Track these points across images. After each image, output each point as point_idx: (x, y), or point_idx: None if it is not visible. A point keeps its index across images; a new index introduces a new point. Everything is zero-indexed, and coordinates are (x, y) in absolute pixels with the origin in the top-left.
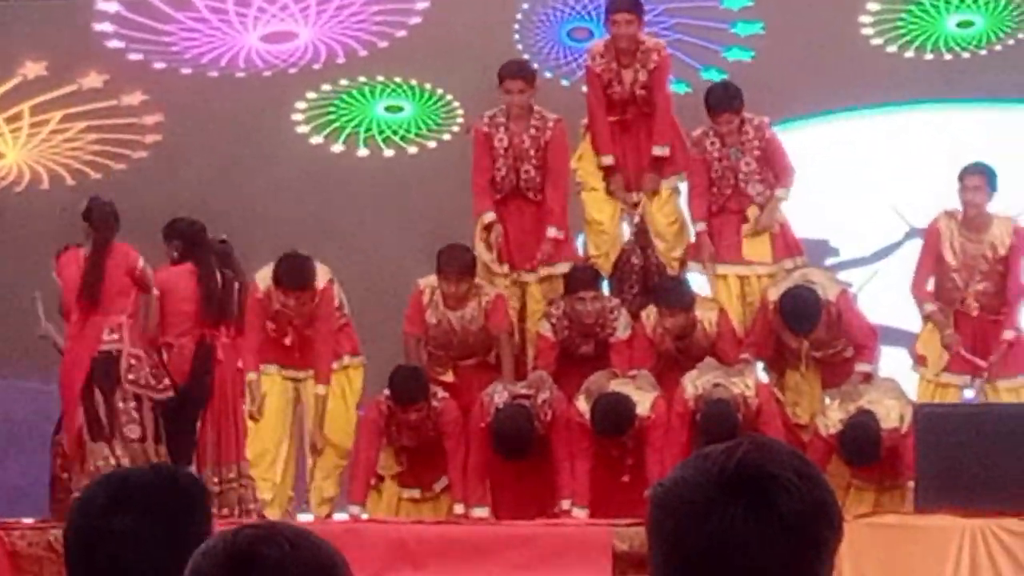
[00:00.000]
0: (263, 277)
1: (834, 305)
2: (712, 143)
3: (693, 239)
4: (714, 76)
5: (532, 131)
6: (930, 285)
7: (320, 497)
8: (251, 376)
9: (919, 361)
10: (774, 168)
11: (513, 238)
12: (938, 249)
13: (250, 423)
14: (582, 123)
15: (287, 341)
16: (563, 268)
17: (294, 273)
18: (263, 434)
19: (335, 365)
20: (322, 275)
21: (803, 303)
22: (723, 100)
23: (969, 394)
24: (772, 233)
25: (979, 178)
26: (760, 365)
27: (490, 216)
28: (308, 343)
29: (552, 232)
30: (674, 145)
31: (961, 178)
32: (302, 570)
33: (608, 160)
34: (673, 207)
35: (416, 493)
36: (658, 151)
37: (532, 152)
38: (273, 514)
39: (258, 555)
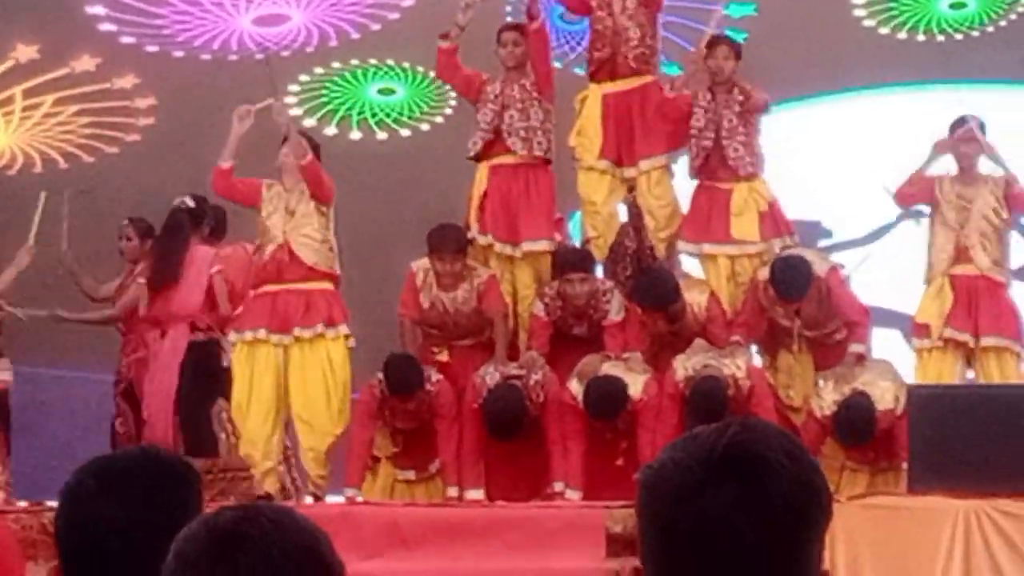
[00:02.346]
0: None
1: (824, 281)
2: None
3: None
4: None
5: (523, 81)
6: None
7: (310, 476)
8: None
9: (920, 332)
10: (747, 140)
11: (499, 209)
12: (936, 203)
13: (236, 401)
14: (577, 99)
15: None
16: (543, 245)
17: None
18: (255, 409)
19: (329, 333)
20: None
21: (792, 267)
22: (720, 36)
23: (970, 374)
24: (761, 212)
25: (970, 126)
26: (754, 348)
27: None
28: (298, 301)
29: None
30: (667, 124)
31: (953, 129)
32: (285, 548)
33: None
34: (665, 187)
35: (411, 474)
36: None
37: (521, 103)
38: (271, 486)
39: (241, 535)
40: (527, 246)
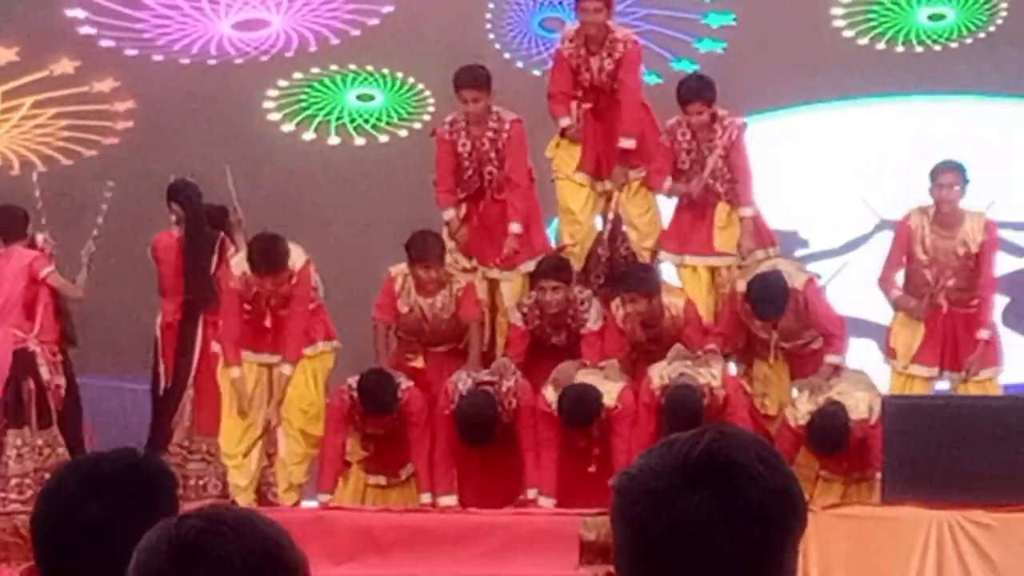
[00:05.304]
0: (238, 263)
1: (801, 293)
2: (683, 133)
3: (665, 228)
4: (686, 67)
5: (491, 133)
6: (898, 280)
7: (288, 483)
8: (235, 373)
9: (889, 353)
10: (734, 175)
11: (480, 233)
12: (909, 245)
13: (226, 411)
14: None
15: (267, 323)
16: (531, 266)
17: (268, 255)
18: (238, 422)
19: (308, 351)
20: (299, 256)
21: (770, 287)
22: (693, 91)
23: (941, 386)
24: (743, 225)
25: (953, 175)
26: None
27: (450, 213)
28: (284, 324)
29: (515, 228)
30: (645, 135)
31: (934, 176)
32: (246, 557)
33: (564, 121)
34: (644, 197)
35: (382, 480)
36: (624, 143)
37: (493, 154)
38: (246, 500)
39: (201, 548)
40: (524, 268)
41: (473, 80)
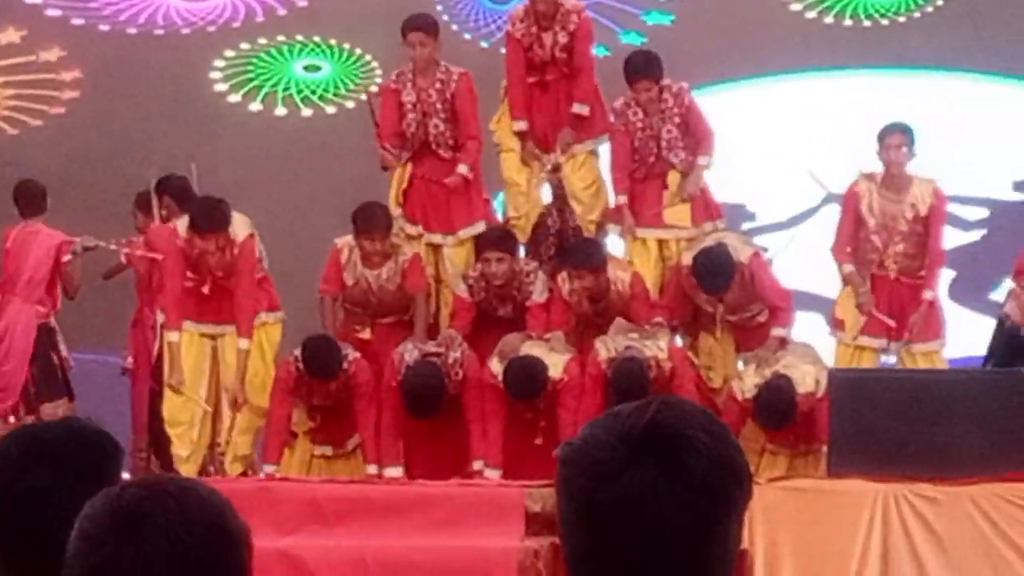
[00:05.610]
0: (182, 224)
1: (747, 267)
2: (634, 112)
3: (612, 203)
4: (633, 39)
5: (438, 85)
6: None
7: (234, 454)
8: (172, 337)
9: (837, 325)
10: (695, 135)
11: (424, 196)
12: (858, 211)
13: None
14: (502, 85)
15: (205, 289)
16: (480, 227)
17: (209, 214)
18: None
19: (253, 322)
20: (243, 227)
21: (716, 261)
22: (641, 68)
23: (887, 359)
24: (696, 171)
25: (900, 136)
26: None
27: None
28: (226, 295)
29: (463, 169)
30: (593, 108)
31: (882, 137)
32: (189, 525)
33: (520, 125)
34: (589, 170)
35: (328, 450)
36: (577, 108)
37: (439, 106)
38: (189, 471)
39: (143, 515)
40: (465, 233)
41: (421, 24)
